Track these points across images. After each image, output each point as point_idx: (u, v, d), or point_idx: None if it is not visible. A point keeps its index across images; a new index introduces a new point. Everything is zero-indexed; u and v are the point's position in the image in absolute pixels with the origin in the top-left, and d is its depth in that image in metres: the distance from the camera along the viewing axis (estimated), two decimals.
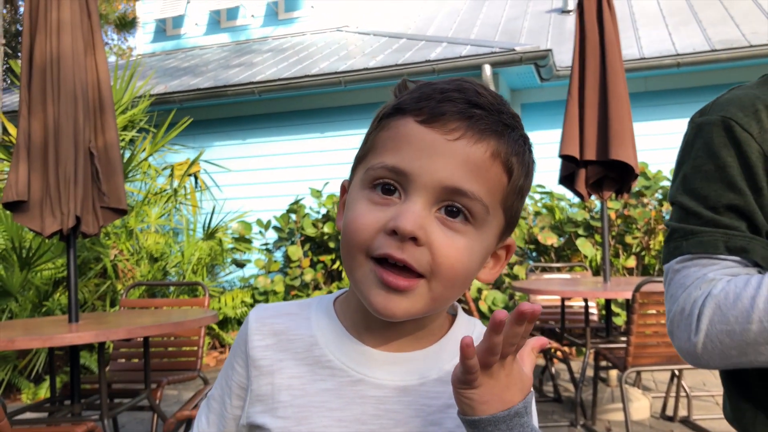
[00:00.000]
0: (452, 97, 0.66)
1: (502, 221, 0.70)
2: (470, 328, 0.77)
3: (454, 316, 0.77)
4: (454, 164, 0.64)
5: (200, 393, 3.12)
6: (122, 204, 3.08)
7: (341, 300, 0.78)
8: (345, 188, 0.77)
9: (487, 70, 6.08)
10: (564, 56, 6.60)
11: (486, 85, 0.73)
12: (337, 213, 0.78)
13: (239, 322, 6.40)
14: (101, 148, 3.09)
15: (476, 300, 5.54)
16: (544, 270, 5.29)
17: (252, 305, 6.37)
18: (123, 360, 3.65)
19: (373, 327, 0.72)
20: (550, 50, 6.07)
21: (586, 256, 5.65)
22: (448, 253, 0.65)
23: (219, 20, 10.25)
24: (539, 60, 6.05)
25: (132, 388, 3.39)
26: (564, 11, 8.20)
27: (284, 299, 6.37)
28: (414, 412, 0.70)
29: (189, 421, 2.52)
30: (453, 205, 0.65)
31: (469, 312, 4.10)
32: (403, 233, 0.63)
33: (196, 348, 3.71)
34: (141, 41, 10.67)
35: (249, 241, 6.66)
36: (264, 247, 6.79)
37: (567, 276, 4.98)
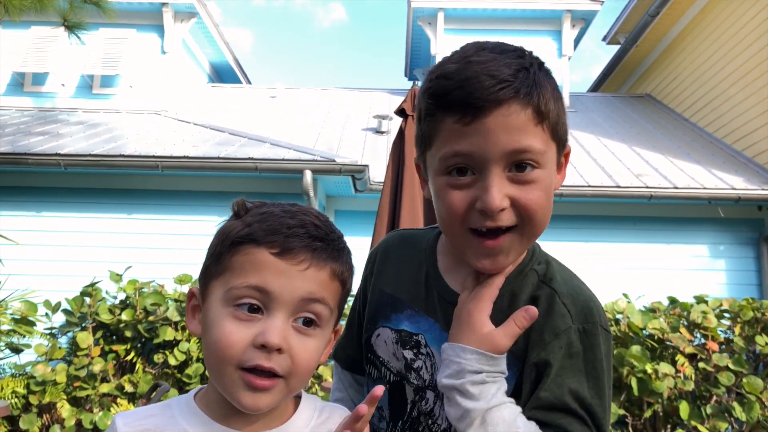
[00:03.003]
0: (297, 233, 0.84)
1: (336, 316, 0.91)
2: (314, 404, 0.95)
3: (297, 397, 0.95)
4: (307, 284, 0.83)
5: None
6: None
7: (201, 395, 0.91)
8: (194, 294, 0.90)
9: (308, 175, 6.41)
10: (375, 172, 7.17)
11: (315, 214, 0.91)
12: (187, 316, 0.91)
13: (6, 417, 5.63)
14: None
15: None
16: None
17: (25, 396, 5.67)
18: None
19: (234, 414, 0.86)
20: (366, 165, 6.59)
21: None
22: (304, 356, 0.83)
23: (22, 83, 9.56)
24: (356, 173, 6.53)
25: None
26: (378, 131, 8.96)
27: (65, 391, 5.77)
28: None
29: None
30: (306, 317, 0.84)
31: None
32: (272, 347, 0.79)
33: None
34: None
35: (32, 324, 6.01)
36: (48, 332, 6.16)
37: None
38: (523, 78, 0.90)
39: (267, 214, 0.86)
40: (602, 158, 8.17)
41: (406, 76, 12.80)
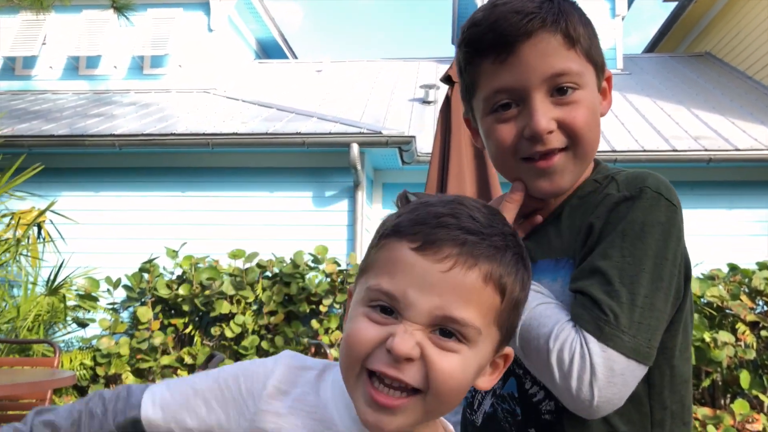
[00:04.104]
0: (446, 222, 0.69)
1: (497, 336, 0.74)
2: None
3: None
4: (445, 295, 0.68)
5: None
6: None
7: None
8: (351, 293, 0.79)
9: (355, 148, 6.40)
10: (422, 143, 7.11)
11: (476, 205, 0.75)
12: (346, 316, 0.79)
13: (75, 386, 5.93)
14: None
15: None
16: None
17: (92, 368, 5.94)
18: None
19: None
20: (413, 137, 6.54)
21: None
22: (443, 370, 0.68)
23: (77, 66, 9.83)
24: (403, 145, 6.49)
25: None
26: (425, 101, 8.87)
27: (129, 363, 6.01)
28: None
29: None
30: (446, 328, 0.69)
31: None
32: (398, 356, 0.67)
33: None
34: None
35: (95, 299, 6.26)
36: (111, 307, 6.41)
37: None
38: (548, 8, 0.94)
39: (422, 204, 0.73)
40: (658, 122, 7.89)
41: (453, 44, 12.59)
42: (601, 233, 0.91)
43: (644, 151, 6.81)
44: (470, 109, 1.08)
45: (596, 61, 0.99)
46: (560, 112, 0.94)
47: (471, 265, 0.68)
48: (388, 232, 0.73)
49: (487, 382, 0.77)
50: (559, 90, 0.94)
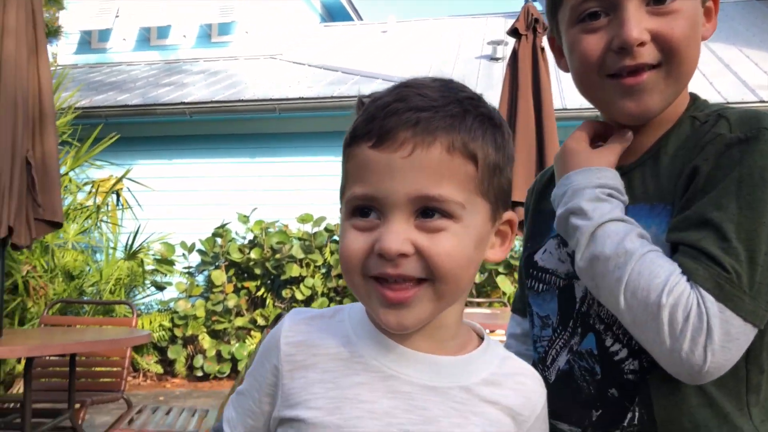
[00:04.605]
0: (395, 109, 0.67)
1: (485, 205, 0.71)
2: (498, 350, 0.80)
3: (481, 338, 0.79)
4: (414, 176, 0.66)
5: (126, 415, 3.04)
6: (58, 217, 2.99)
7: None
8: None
9: None
10: (490, 101, 6.89)
11: (425, 82, 0.72)
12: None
13: (155, 347, 6.20)
14: (39, 158, 3.01)
15: None
16: (466, 304, 5.46)
17: (171, 329, 6.20)
18: (44, 379, 3.49)
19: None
20: (480, 95, 6.35)
21: (504, 293, 5.88)
22: (439, 252, 0.66)
23: (149, 37, 10.07)
24: None
25: (53, 408, 3.24)
26: (493, 58, 8.61)
27: (204, 324, 6.23)
28: (441, 412, 0.72)
29: None
30: (426, 208, 0.67)
31: None
32: (389, 255, 0.66)
33: (119, 369, 3.61)
34: (63, 51, 10.30)
35: (171, 263, 6.50)
36: (186, 271, 6.63)
37: (487, 311, 5.17)
38: None
39: (372, 101, 0.71)
40: (743, 71, 7.37)
41: None
42: (709, 178, 0.81)
43: (727, 102, 6.38)
44: (555, 25, 0.97)
45: None
46: (656, 23, 0.85)
47: (430, 142, 0.66)
48: (348, 141, 0.71)
49: (500, 253, 0.76)
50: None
